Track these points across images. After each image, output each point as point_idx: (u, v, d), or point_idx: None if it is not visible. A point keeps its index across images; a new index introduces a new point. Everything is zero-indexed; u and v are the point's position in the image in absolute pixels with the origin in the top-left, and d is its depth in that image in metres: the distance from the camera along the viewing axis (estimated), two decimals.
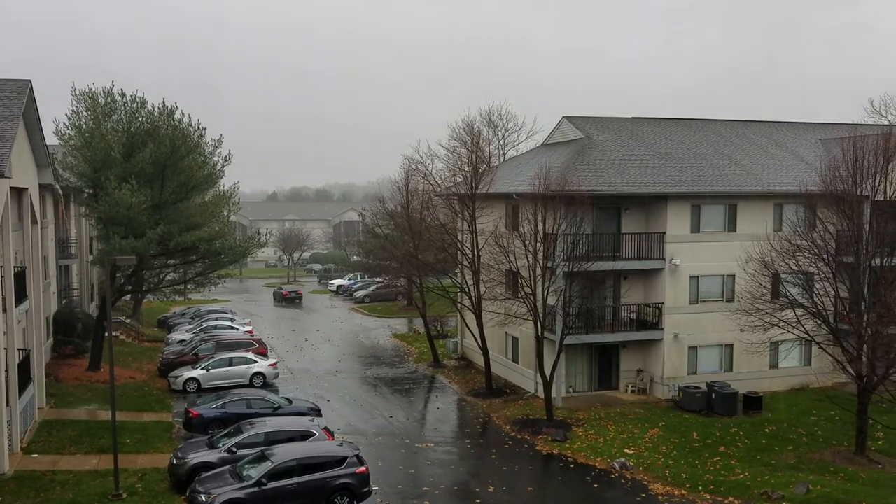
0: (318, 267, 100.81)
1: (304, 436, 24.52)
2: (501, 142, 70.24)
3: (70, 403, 31.69)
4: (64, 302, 44.40)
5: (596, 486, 24.39)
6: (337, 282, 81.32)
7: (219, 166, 40.01)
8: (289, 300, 72.57)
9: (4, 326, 24.21)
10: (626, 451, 27.24)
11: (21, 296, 27.16)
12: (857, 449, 26.73)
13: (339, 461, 21.96)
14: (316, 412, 29.71)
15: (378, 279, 69.35)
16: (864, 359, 26.10)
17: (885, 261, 27.23)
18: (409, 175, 47.12)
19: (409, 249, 44.46)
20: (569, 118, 39.32)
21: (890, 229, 28.08)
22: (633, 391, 34.38)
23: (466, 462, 26.88)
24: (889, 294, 24.75)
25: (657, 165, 34.96)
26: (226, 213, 42.77)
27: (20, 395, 25.73)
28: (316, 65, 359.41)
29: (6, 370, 24.09)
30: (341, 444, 23.63)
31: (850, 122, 43.21)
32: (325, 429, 25.64)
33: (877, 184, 27.72)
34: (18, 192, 28.71)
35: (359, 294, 71.45)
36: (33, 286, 29.70)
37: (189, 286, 42.89)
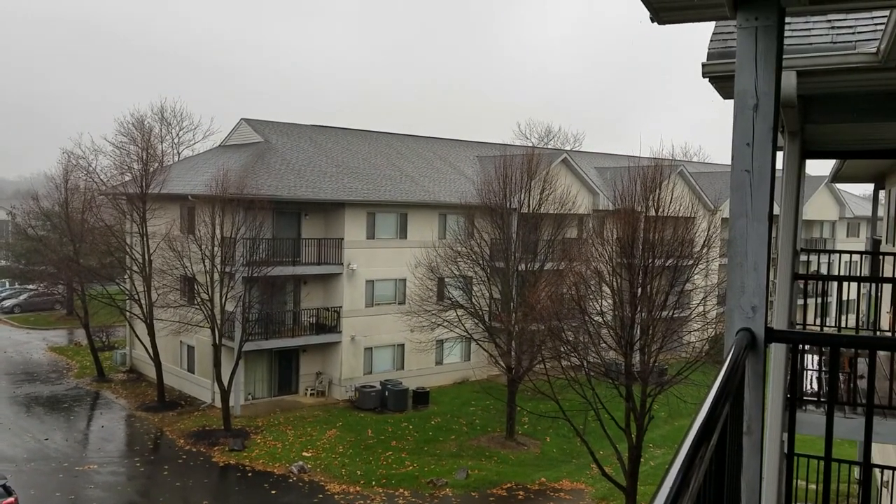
0: None
1: None
2: (176, 140, 67.07)
3: None
4: None
5: (274, 492, 24.45)
6: None
7: None
8: None
9: None
10: (304, 454, 27.68)
11: None
12: (507, 434, 30.13)
13: None
14: None
15: (31, 286, 61.81)
16: (513, 353, 29.56)
17: (528, 265, 31.16)
18: (69, 171, 42.88)
19: (68, 253, 40.44)
20: (247, 121, 38.87)
21: (532, 238, 32.21)
22: (312, 394, 35.00)
23: (135, 482, 25.25)
24: (532, 295, 28.34)
25: (335, 173, 36.04)
26: None
27: None
28: None
29: None
30: None
31: (502, 142, 48.52)
32: None
33: (522, 198, 31.63)
34: None
35: (7, 303, 62.99)
36: None
37: None
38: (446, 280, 32.39)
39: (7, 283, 70.22)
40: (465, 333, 31.02)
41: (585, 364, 23.13)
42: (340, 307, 34.62)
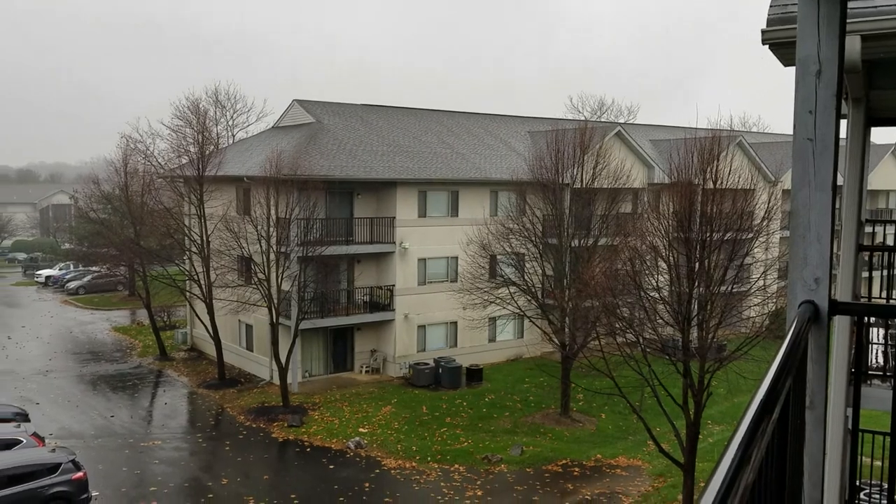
0: (22, 256, 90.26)
1: (9, 444, 22.08)
2: (230, 123, 68.09)
3: None
4: None
5: (332, 466, 24.90)
6: (46, 272, 73.40)
7: None
8: None
9: None
10: (360, 430, 28.09)
11: None
12: (562, 410, 30.04)
13: (52, 468, 20.18)
14: (23, 417, 26.81)
15: (94, 268, 63.81)
16: (567, 330, 29.39)
17: (582, 242, 30.84)
18: (128, 155, 43.93)
19: (129, 235, 41.56)
20: (300, 102, 39.18)
21: (586, 214, 31.84)
22: (367, 371, 35.43)
23: (198, 457, 25.99)
24: (586, 271, 28.07)
25: (386, 152, 36.15)
26: None
27: None
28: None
29: None
30: (54, 450, 21.69)
31: (554, 116, 47.96)
32: (35, 435, 23.30)
33: (575, 173, 31.25)
34: None
35: (72, 285, 65.20)
36: None
37: None
38: (498, 257, 32.30)
39: (71, 266, 72.67)
40: (518, 310, 30.93)
41: (641, 340, 22.84)
42: (393, 285, 34.87)
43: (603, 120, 64.21)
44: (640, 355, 21.77)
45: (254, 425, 28.99)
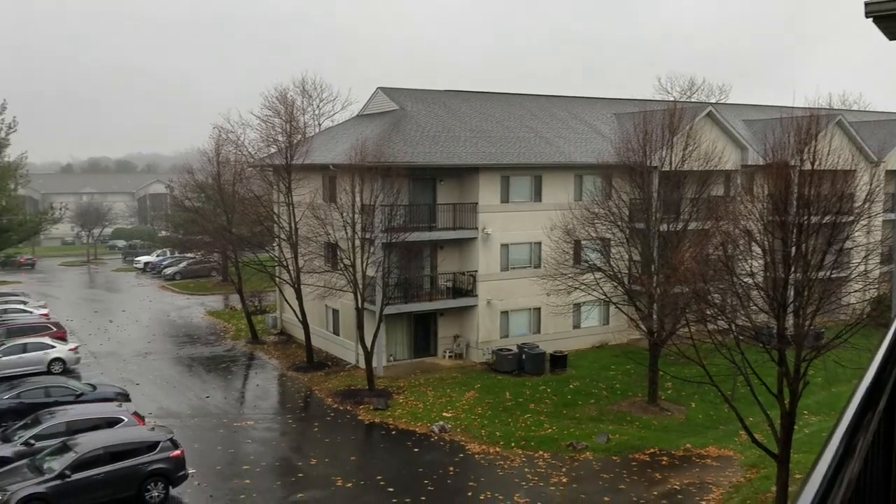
0: (122, 243, 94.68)
1: (112, 422, 23.22)
2: (316, 112, 69.26)
3: None
4: None
5: (417, 450, 25.14)
6: (144, 258, 76.84)
7: (2, 134, 36.41)
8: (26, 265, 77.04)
9: None
10: (444, 414, 28.24)
11: None
12: (649, 399, 29.41)
13: (151, 446, 21.07)
14: (124, 397, 28.20)
15: (189, 255, 66.37)
16: (654, 316, 28.69)
17: (670, 226, 29.99)
18: (220, 145, 45.34)
19: (221, 223, 42.94)
20: (383, 89, 39.49)
21: (675, 197, 30.93)
22: (450, 356, 35.59)
23: (288, 437, 26.70)
24: (675, 256, 27.30)
25: (469, 138, 36.05)
26: (12, 186, 39.13)
27: None
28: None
29: None
30: (153, 429, 22.67)
31: (641, 97, 46.76)
32: (135, 413, 24.44)
33: (664, 155, 30.37)
34: None
35: (169, 271, 68.03)
36: None
37: None
38: (583, 243, 31.78)
39: (168, 253, 75.76)
40: (604, 297, 30.38)
41: (733, 327, 22.04)
42: (476, 271, 34.84)
43: (693, 100, 62.23)
44: (732, 343, 21.02)
45: (341, 407, 29.55)
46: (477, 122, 37.92)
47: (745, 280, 22.28)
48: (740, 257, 23.24)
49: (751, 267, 22.51)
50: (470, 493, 21.76)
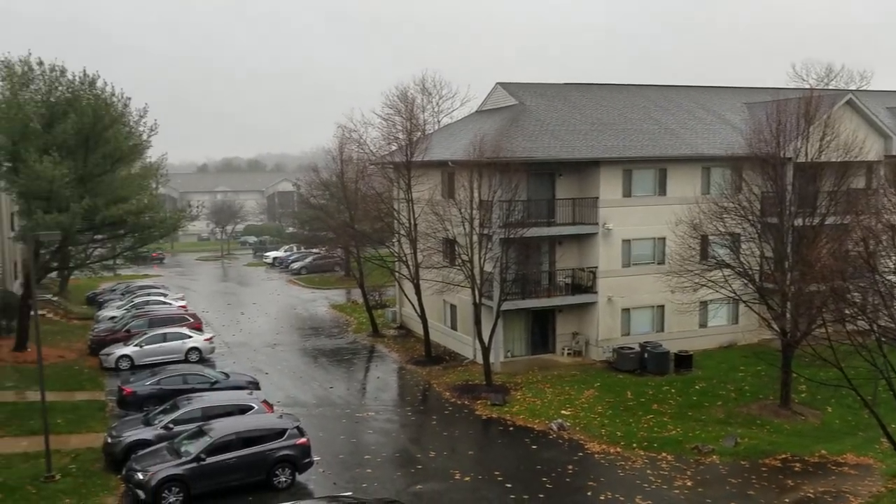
0: (252, 239, 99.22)
1: (243, 409, 24.28)
2: (436, 109, 69.76)
3: None
4: None
5: (535, 447, 24.91)
6: (273, 254, 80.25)
7: (145, 137, 38.80)
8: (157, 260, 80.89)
9: None
10: (563, 412, 27.85)
11: None
12: (781, 402, 27.92)
13: (280, 433, 21.86)
14: (254, 385, 29.43)
15: (314, 250, 68.73)
16: (788, 315, 27.18)
17: (806, 220, 28.30)
18: (344, 144, 46.56)
19: (344, 219, 44.09)
20: (502, 84, 39.36)
21: (811, 190, 29.15)
22: (569, 354, 35.08)
23: (407, 429, 27.09)
24: (811, 252, 25.76)
25: (589, 131, 35.36)
26: (154, 185, 41.69)
27: None
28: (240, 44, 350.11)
29: None
30: (281, 417, 23.50)
31: (774, 86, 44.41)
32: (265, 402, 25.43)
33: (799, 146, 28.69)
34: None
35: (295, 266, 70.72)
36: None
37: (118, 261, 41.67)
38: (710, 238, 30.47)
39: (295, 248, 78.67)
40: (733, 294, 29.04)
41: (875, 328, 20.54)
42: (596, 267, 34.16)
43: (831, 87, 58.56)
44: (874, 345, 19.59)
45: (458, 402, 29.71)
46: (598, 114, 37.15)
47: (888, 278, 20.73)
48: (883, 253, 21.64)
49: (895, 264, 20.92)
50: (589, 493, 21.34)
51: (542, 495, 21.12)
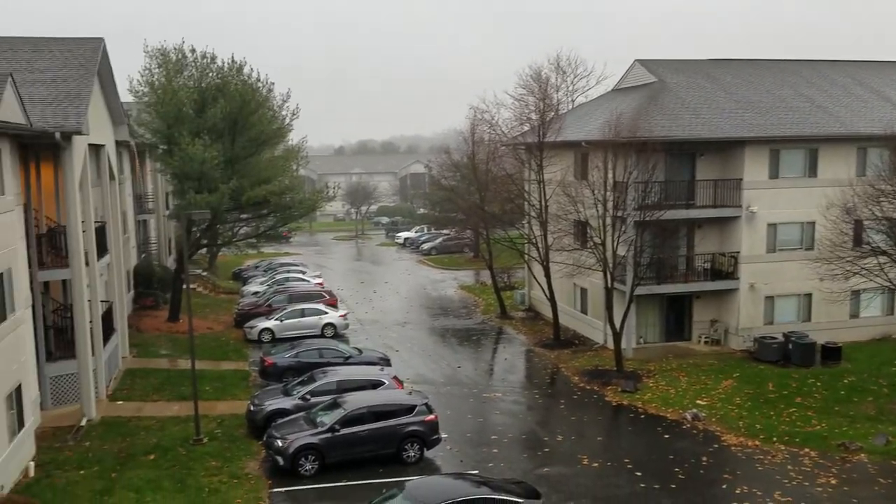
0: (384, 220, 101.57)
1: (375, 384, 24.95)
2: (570, 88, 68.35)
3: (151, 353, 32.99)
4: (143, 256, 45.96)
5: (667, 436, 24.16)
6: (404, 234, 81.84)
7: (287, 121, 40.39)
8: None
9: (87, 279, 25.19)
10: (698, 401, 26.85)
11: (102, 250, 28.20)
12: None
13: (409, 409, 22.28)
14: (385, 362, 30.15)
15: (445, 231, 69.46)
16: None
17: None
18: (475, 125, 46.54)
19: (475, 201, 44.23)
20: (641, 61, 38.11)
21: None
22: (706, 342, 33.74)
23: (535, 412, 26.95)
24: None
25: (734, 109, 33.65)
26: (295, 167, 43.29)
27: (104, 344, 26.89)
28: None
29: (91, 321, 25.15)
30: (411, 393, 23.96)
31: None
32: (395, 378, 26.01)
33: None
34: (96, 149, 29.57)
35: (426, 246, 71.83)
36: (113, 240, 30.77)
37: (262, 239, 43.76)
38: (865, 223, 28.31)
39: (425, 229, 79.86)
40: (889, 284, 26.93)
41: None
42: (738, 252, 32.57)
43: None
44: None
45: (587, 387, 29.25)
46: (743, 92, 35.26)
47: None
48: None
49: None
50: (724, 486, 20.46)
51: (673, 486, 20.46)
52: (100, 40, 28.08)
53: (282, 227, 43.10)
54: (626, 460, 22.19)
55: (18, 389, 20.15)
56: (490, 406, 27.42)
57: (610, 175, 30.07)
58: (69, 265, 24.09)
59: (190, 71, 36.68)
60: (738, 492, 20.07)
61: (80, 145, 24.74)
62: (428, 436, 22.19)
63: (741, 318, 32.82)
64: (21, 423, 20.19)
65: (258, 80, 38.20)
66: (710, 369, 30.21)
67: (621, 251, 30.67)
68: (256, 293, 44.56)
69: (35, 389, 22.79)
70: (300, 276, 49.09)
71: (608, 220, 30.23)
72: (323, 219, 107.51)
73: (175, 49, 36.15)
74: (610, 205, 30.22)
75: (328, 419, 21.68)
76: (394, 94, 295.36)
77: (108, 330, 28.20)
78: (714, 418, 25.43)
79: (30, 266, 22.65)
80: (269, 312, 38.55)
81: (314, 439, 21.15)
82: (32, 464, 20.53)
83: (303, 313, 37.62)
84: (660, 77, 36.01)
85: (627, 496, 19.96)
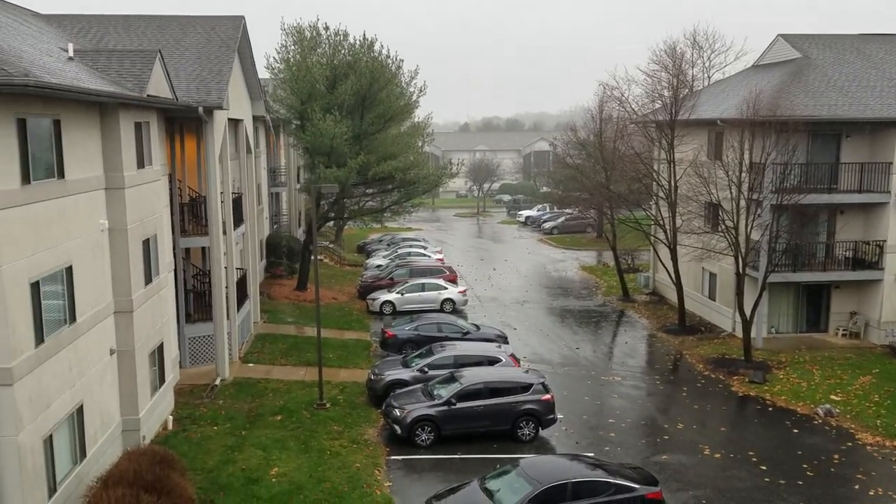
0: (506, 198, 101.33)
1: (492, 361, 25.06)
2: (707, 64, 65.64)
3: (280, 319, 34.50)
4: (275, 227, 48.01)
5: (796, 431, 23.01)
6: (525, 213, 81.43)
7: (414, 97, 40.88)
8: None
9: (224, 248, 26.58)
10: (832, 397, 25.39)
11: (238, 220, 29.65)
12: None
13: (525, 387, 22.26)
14: (503, 339, 30.22)
15: (567, 210, 68.54)
16: None
17: None
18: (604, 102, 45.44)
19: (600, 180, 43.34)
20: (784, 36, 35.99)
21: None
22: (844, 335, 31.79)
23: (655, 398, 26.30)
24: None
25: (886, 88, 31.27)
26: (420, 143, 43.86)
27: (238, 309, 28.35)
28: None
29: (226, 287, 26.56)
30: (527, 372, 23.91)
31: None
32: (512, 355, 26.02)
33: None
34: (234, 124, 31.02)
35: (547, 225, 71.21)
36: (248, 211, 32.28)
37: (386, 214, 44.70)
38: None
39: (547, 208, 79.11)
40: None
41: None
42: (884, 241, 30.37)
43: None
44: None
45: (712, 375, 28.24)
46: None
47: None
48: None
49: None
50: (857, 486, 19.30)
51: (800, 482, 19.50)
52: (240, 18, 29.30)
53: (406, 202, 43.83)
54: (751, 453, 21.33)
55: (160, 348, 21.57)
56: (608, 389, 26.99)
57: (746, 156, 28.68)
58: (208, 233, 25.51)
59: (323, 48, 37.74)
60: (871, 493, 18.92)
61: (220, 120, 26.00)
62: (543, 415, 22.12)
63: (884, 311, 30.67)
64: (162, 380, 21.63)
65: (387, 56, 38.82)
66: (846, 364, 28.47)
67: (755, 236, 29.27)
68: (379, 266, 45.65)
69: (175, 349, 24.35)
70: (421, 251, 49.87)
71: (742, 203, 28.88)
72: (445, 195, 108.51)
73: (310, 27, 37.28)
74: (745, 187, 28.85)
75: (445, 392, 22.00)
76: (521, 71, 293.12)
77: (242, 296, 29.69)
78: (849, 415, 23.99)
79: (173, 233, 24.16)
80: (390, 285, 39.42)
81: (431, 411, 21.52)
82: (171, 418, 22.02)
83: (423, 288, 38.23)
84: (804, 52, 33.89)
85: (750, 489, 19.20)
